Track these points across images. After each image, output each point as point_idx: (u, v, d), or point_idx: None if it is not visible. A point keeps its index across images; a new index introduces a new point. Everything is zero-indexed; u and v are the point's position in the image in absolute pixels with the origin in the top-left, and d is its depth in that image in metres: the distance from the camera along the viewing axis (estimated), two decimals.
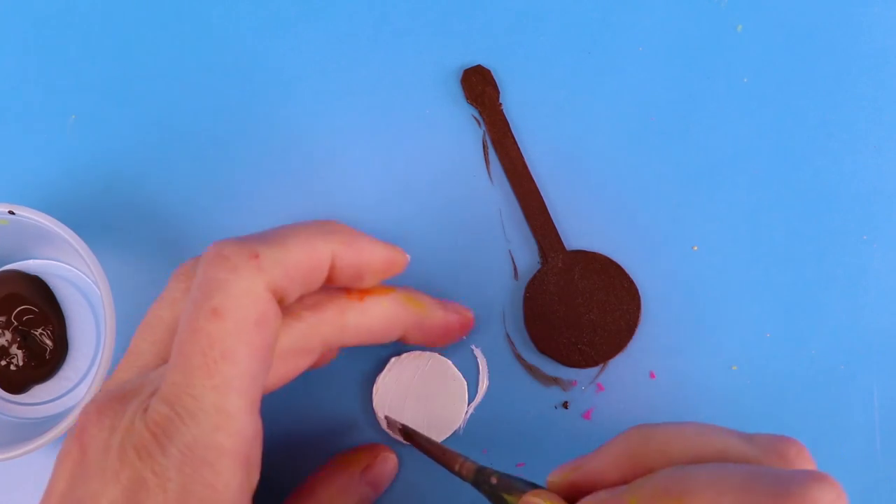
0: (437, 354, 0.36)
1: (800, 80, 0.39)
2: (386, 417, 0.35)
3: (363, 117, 0.39)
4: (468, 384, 0.37)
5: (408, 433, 0.33)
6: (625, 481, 0.25)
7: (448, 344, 0.35)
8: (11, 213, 0.33)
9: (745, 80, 0.39)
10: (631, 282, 0.37)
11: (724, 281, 0.38)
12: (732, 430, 0.25)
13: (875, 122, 0.39)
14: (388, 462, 0.35)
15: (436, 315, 0.33)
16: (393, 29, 0.39)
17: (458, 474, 0.30)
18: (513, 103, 0.39)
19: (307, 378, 0.35)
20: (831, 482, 0.22)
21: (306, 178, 0.39)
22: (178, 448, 0.24)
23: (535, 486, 0.28)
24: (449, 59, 0.39)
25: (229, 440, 0.24)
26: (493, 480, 0.29)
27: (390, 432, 0.35)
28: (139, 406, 0.25)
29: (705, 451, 0.25)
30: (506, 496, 0.28)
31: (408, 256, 0.31)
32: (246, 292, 0.25)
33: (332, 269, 0.28)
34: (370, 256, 0.29)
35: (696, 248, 0.38)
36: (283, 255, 0.26)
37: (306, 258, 0.27)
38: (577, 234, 0.38)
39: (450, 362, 0.36)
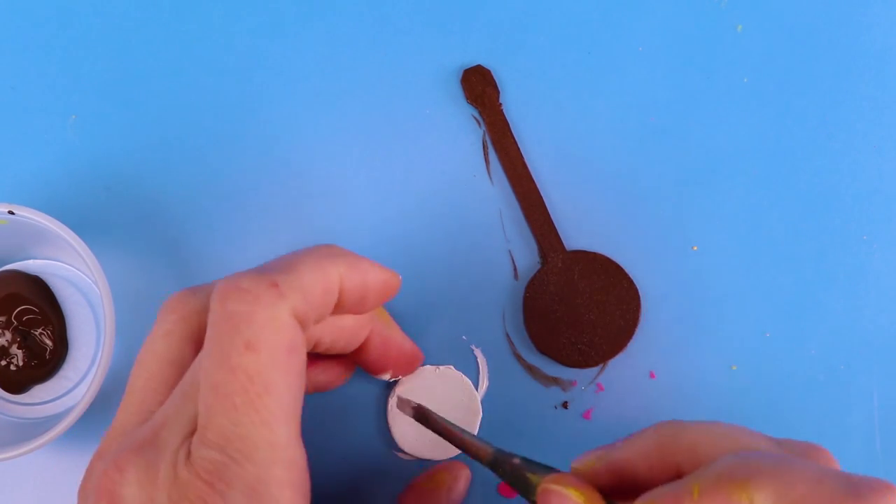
0: (451, 368, 0.36)
1: (800, 80, 0.39)
2: (399, 398, 0.35)
3: (363, 117, 0.39)
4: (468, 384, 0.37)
5: (422, 414, 0.33)
6: (651, 473, 0.25)
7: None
8: (11, 213, 0.33)
9: (745, 80, 0.39)
10: (631, 282, 0.37)
11: (724, 281, 0.38)
12: (762, 433, 0.25)
13: (875, 122, 0.39)
14: (465, 479, 0.35)
15: (397, 335, 0.34)
16: (393, 29, 0.39)
17: (476, 456, 0.30)
18: (513, 103, 0.39)
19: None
20: None
21: (306, 178, 0.39)
22: (240, 490, 0.23)
23: (556, 471, 0.27)
24: (449, 59, 0.39)
25: (286, 472, 0.24)
26: (516, 461, 0.28)
27: (400, 413, 0.35)
28: (171, 456, 0.24)
29: (734, 452, 0.24)
30: (529, 476, 0.28)
31: (400, 278, 0.31)
32: (273, 321, 0.25)
33: (340, 292, 0.28)
34: (374, 277, 0.29)
35: (696, 248, 0.38)
36: (299, 280, 0.26)
37: (320, 281, 0.27)
38: (577, 234, 0.38)
39: (465, 377, 0.36)
